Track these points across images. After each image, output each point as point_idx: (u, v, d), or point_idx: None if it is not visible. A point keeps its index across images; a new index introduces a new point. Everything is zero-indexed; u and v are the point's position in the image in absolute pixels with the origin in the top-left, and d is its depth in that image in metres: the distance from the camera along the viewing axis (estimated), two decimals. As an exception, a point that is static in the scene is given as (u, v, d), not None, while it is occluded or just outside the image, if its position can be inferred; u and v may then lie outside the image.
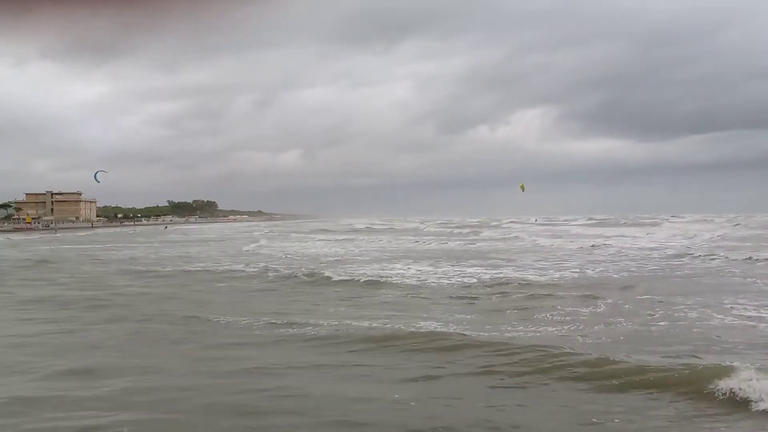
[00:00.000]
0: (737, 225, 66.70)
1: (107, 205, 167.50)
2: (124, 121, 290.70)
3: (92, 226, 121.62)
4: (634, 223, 78.26)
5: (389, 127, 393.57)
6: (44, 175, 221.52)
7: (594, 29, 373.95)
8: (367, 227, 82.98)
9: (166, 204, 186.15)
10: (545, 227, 73.87)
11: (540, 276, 20.85)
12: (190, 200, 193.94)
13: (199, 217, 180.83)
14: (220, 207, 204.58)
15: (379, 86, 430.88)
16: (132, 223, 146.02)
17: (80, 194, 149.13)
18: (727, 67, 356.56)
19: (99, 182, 51.07)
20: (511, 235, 52.90)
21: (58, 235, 79.34)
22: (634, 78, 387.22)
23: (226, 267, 26.47)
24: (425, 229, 72.85)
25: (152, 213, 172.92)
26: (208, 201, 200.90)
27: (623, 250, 33.27)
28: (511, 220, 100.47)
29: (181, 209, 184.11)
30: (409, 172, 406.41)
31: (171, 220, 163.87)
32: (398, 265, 25.92)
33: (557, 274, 21.32)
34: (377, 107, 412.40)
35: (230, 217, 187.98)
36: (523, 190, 73.97)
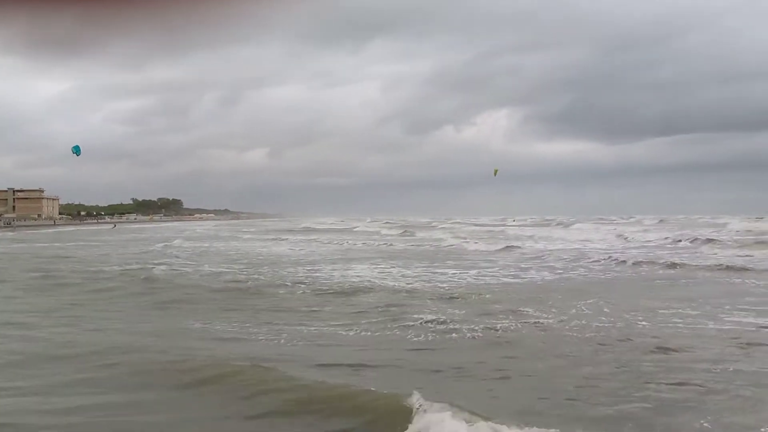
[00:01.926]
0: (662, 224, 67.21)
1: (70, 202, 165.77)
2: (88, 117, 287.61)
3: (54, 224, 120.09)
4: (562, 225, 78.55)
5: (358, 127, 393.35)
6: (7, 172, 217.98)
7: (561, 33, 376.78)
8: (306, 227, 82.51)
9: (131, 202, 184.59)
10: (486, 228, 73.97)
11: (397, 282, 20.49)
12: (155, 198, 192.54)
13: (164, 215, 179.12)
14: (186, 205, 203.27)
15: (348, 86, 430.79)
16: (95, 220, 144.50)
17: (42, 191, 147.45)
18: (690, 71, 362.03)
19: (78, 155, 50.13)
20: (437, 237, 52.66)
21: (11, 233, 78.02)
22: (600, 81, 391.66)
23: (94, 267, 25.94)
24: (366, 230, 72.50)
25: (116, 211, 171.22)
26: (173, 199, 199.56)
27: (526, 254, 33.21)
28: (455, 221, 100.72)
29: (146, 207, 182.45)
30: (378, 171, 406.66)
31: (135, 218, 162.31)
32: (266, 268, 25.75)
33: (415, 280, 21.07)
34: (346, 107, 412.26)
35: (195, 215, 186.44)
36: (496, 174, 74.27)
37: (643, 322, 12.21)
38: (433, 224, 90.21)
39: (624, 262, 26.11)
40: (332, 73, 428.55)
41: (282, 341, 10.98)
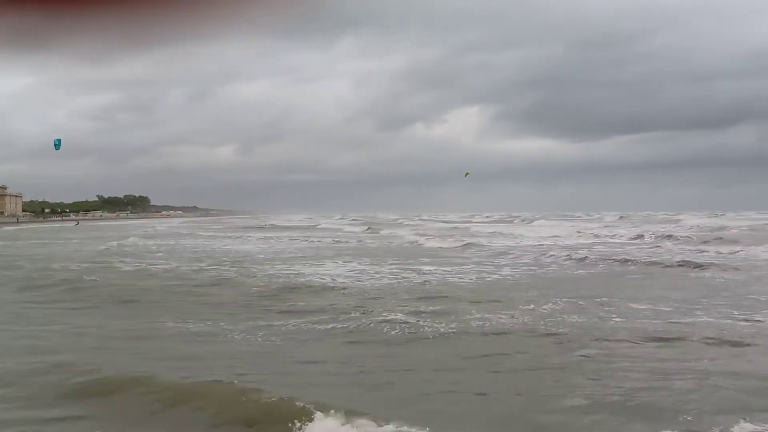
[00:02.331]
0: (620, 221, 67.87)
1: (34, 199, 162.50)
2: (52, 113, 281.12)
3: (18, 222, 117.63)
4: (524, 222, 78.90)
5: (328, 124, 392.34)
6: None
7: (530, 31, 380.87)
8: (271, 225, 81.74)
9: (96, 199, 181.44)
10: (452, 225, 74.01)
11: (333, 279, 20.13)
12: (121, 195, 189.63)
13: (131, 212, 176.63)
14: (153, 202, 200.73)
15: (318, 82, 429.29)
16: (60, 218, 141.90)
17: (5, 188, 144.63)
18: (654, 71, 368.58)
19: (58, 149, 48.71)
20: (399, 234, 52.38)
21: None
22: (568, 79, 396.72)
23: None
24: (330, 227, 71.96)
25: (81, 208, 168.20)
26: (140, 196, 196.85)
27: (483, 251, 33.09)
28: (423, 218, 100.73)
29: (112, 204, 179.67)
30: (349, 168, 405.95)
31: (101, 216, 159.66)
32: (203, 264, 25.21)
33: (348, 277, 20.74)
34: (316, 103, 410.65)
35: (163, 213, 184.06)
36: (466, 176, 74.51)
37: (578, 319, 12.07)
38: (400, 221, 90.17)
39: (582, 259, 26.01)
40: (302, 69, 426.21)
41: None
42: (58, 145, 47.79)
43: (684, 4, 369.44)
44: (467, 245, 36.78)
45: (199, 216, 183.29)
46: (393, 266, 23.86)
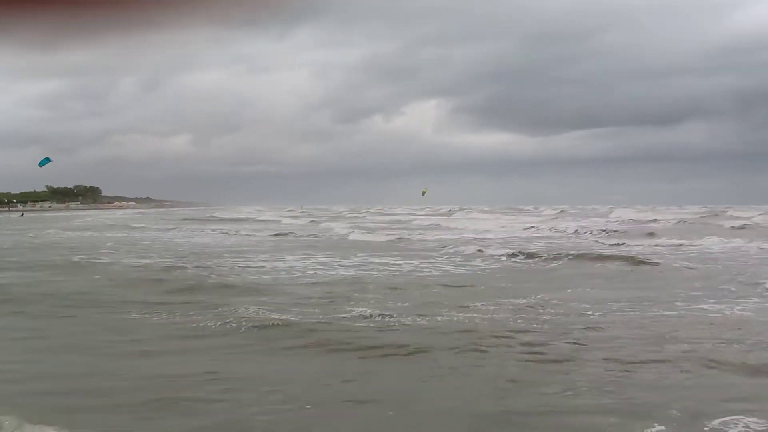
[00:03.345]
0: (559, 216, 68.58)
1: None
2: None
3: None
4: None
5: (286, 115, 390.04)
6: None
7: (488, 26, 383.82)
8: (210, 216, 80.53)
9: (45, 189, 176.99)
10: (396, 218, 73.83)
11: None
12: (71, 185, 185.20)
13: (81, 203, 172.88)
14: (105, 193, 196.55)
15: (275, 72, 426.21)
16: (7, 208, 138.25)
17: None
18: (606, 68, 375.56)
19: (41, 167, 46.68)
20: (335, 227, 51.83)
21: None
22: (524, 74, 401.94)
23: None
24: (270, 219, 70.99)
25: (29, 199, 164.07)
26: (90, 187, 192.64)
27: (412, 244, 32.75)
28: (375, 210, 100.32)
29: (62, 195, 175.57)
30: (307, 160, 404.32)
31: (50, 207, 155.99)
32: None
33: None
34: (273, 94, 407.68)
35: (115, 203, 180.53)
36: (424, 194, 74.32)
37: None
38: (347, 214, 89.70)
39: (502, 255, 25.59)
40: (258, 59, 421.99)
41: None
42: (43, 163, 46.06)
43: (635, 2, 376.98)
44: (399, 239, 36.43)
45: (153, 207, 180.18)
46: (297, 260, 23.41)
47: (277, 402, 6.94)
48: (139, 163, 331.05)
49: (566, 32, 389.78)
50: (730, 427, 6.09)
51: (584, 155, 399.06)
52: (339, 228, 47.15)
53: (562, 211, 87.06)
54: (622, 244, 31.33)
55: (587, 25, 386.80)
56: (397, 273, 19.61)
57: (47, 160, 47.24)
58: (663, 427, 6.10)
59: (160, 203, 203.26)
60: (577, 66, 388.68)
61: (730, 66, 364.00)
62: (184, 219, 73.51)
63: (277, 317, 11.37)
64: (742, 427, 6.11)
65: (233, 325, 10.97)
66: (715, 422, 6.19)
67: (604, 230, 41.63)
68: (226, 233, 43.81)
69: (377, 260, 23.21)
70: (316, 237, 39.68)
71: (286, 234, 42.37)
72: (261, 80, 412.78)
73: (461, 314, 11.98)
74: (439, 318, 11.68)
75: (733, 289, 15.44)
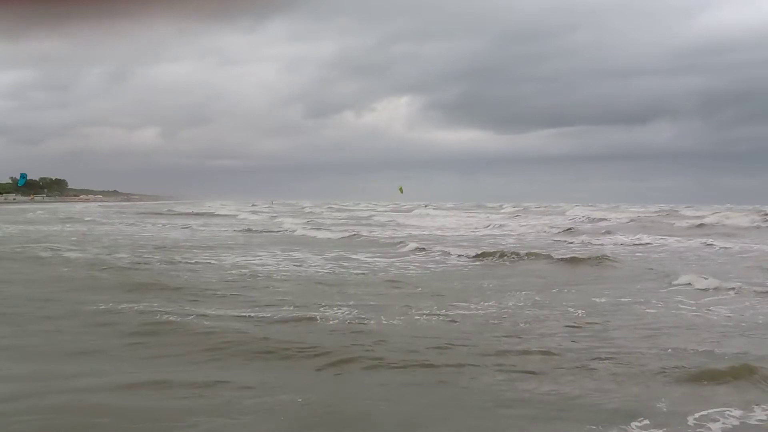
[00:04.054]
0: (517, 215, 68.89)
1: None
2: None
3: None
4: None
5: (255, 108, 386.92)
6: None
7: (460, 23, 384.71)
8: (168, 210, 79.36)
9: (9, 181, 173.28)
10: (356, 214, 73.50)
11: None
12: (36, 177, 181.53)
13: (47, 195, 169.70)
14: (71, 185, 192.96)
15: (245, 66, 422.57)
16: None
17: None
18: (576, 67, 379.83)
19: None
20: (279, 223, 51.16)
21: None
22: (495, 72, 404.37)
23: None
24: (228, 214, 70.07)
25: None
26: (57, 179, 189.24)
27: (361, 241, 32.50)
28: (340, 205, 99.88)
29: (27, 187, 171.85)
30: (277, 154, 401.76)
31: (14, 199, 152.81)
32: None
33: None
34: (243, 87, 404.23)
35: (81, 196, 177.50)
36: (402, 192, 73.92)
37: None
38: (309, 209, 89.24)
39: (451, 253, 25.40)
40: (228, 51, 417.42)
41: None
42: (21, 183, 44.84)
43: (603, 2, 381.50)
44: (353, 235, 35.98)
45: (120, 200, 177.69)
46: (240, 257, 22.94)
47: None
48: (106, 155, 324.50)
49: (537, 31, 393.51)
50: None
51: (553, 153, 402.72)
52: (291, 224, 46.52)
53: (524, 208, 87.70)
54: (564, 241, 31.56)
55: (557, 24, 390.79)
56: (322, 271, 19.29)
57: (24, 176, 46.88)
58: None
59: (127, 197, 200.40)
60: (547, 65, 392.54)
61: (696, 67, 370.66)
62: (139, 213, 72.42)
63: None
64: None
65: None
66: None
67: (554, 227, 41.84)
68: (171, 227, 43.11)
69: (297, 256, 22.88)
70: (264, 233, 39.08)
71: (240, 230, 41.71)
72: (231, 73, 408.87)
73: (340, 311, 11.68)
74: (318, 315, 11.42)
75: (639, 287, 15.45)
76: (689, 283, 15.88)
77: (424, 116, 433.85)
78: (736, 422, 6.48)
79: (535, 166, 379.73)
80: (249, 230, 40.87)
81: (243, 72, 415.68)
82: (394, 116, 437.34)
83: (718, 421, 6.47)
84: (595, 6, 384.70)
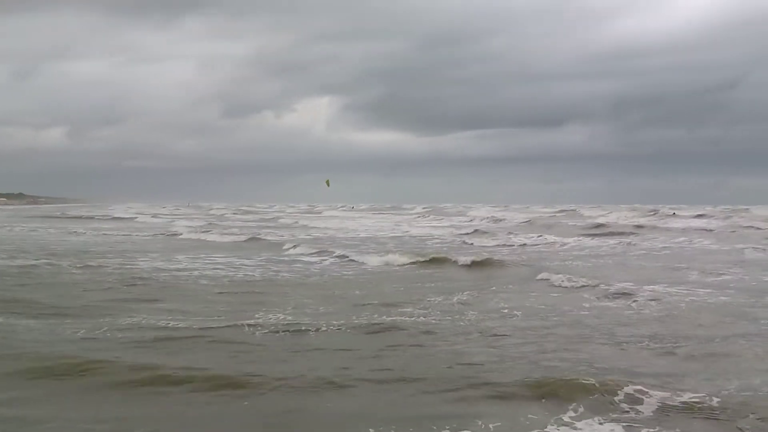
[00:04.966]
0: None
1: None
2: None
3: None
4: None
5: (170, 108, 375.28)
6: None
7: (382, 24, 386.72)
8: (61, 214, 75.25)
9: None
10: (261, 216, 71.96)
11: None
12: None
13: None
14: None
15: (158, 63, 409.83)
16: None
17: None
18: (494, 70, 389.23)
19: None
20: (174, 226, 49.11)
21: None
22: (415, 74, 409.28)
23: None
24: (124, 216, 66.95)
25: None
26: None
27: (262, 244, 31.03)
28: (252, 208, 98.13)
29: None
30: (194, 155, 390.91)
31: None
32: None
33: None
34: (157, 85, 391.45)
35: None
36: (329, 185, 72.19)
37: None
38: (216, 212, 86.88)
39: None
40: (140, 48, 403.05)
41: None
42: None
43: (522, 9, 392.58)
44: (251, 239, 34.36)
45: (26, 204, 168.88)
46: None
47: None
48: (11, 156, 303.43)
49: (457, 34, 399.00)
50: None
51: (472, 155, 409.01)
52: (186, 227, 44.51)
53: (432, 210, 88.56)
54: (451, 240, 31.28)
55: (477, 28, 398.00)
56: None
57: None
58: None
59: (33, 199, 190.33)
60: (466, 68, 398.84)
61: (606, 72, 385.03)
62: (30, 216, 68.47)
63: None
64: None
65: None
66: None
67: (451, 227, 41.76)
68: (55, 231, 40.46)
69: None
70: (151, 237, 37.04)
71: (126, 233, 39.52)
72: (144, 71, 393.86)
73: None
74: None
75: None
76: (547, 280, 16.20)
77: (345, 117, 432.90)
78: None
79: (454, 167, 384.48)
80: (137, 234, 38.73)
81: (157, 70, 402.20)
82: (315, 117, 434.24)
83: None
84: (515, 12, 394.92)
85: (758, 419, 6.27)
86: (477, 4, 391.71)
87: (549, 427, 6.19)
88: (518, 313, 12.05)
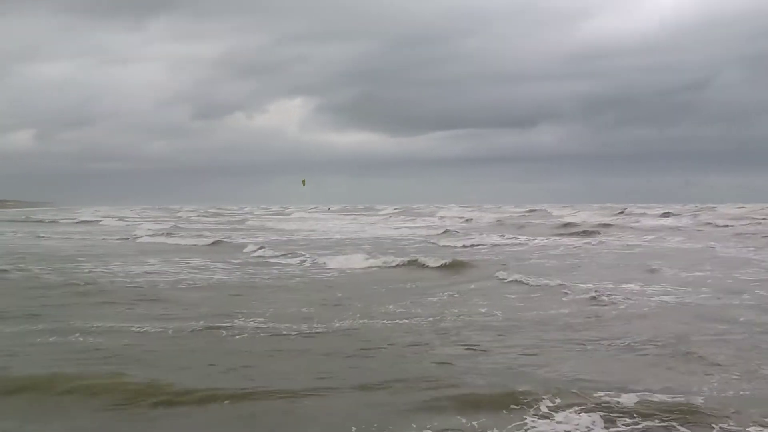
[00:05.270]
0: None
1: None
2: None
3: None
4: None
5: (139, 109, 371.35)
6: None
7: (354, 25, 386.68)
8: (26, 218, 73.42)
9: None
10: (228, 219, 71.06)
11: None
12: None
13: None
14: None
15: (128, 65, 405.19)
16: None
17: None
18: (467, 71, 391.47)
19: None
20: (137, 228, 48.09)
21: None
22: (388, 75, 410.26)
23: None
24: (88, 220, 65.50)
25: None
26: None
27: (226, 246, 30.43)
28: (224, 210, 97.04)
29: None
30: (164, 157, 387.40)
31: None
32: None
33: None
34: (126, 87, 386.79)
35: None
36: (304, 185, 71.51)
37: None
38: (185, 215, 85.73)
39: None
40: (109, 50, 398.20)
41: None
42: None
43: (495, 10, 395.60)
44: (215, 243, 33.50)
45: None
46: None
47: None
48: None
49: (430, 35, 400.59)
50: None
51: (445, 155, 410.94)
52: (147, 231, 43.48)
53: (404, 210, 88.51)
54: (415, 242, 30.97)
55: (450, 29, 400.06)
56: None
57: None
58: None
59: (2, 203, 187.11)
60: (439, 69, 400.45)
61: (579, 72, 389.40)
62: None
63: None
64: None
65: None
66: None
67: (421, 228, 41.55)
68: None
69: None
70: (110, 240, 36.06)
71: (83, 236, 38.51)
72: (113, 72, 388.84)
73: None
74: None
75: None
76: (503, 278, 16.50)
77: (318, 118, 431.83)
78: None
79: (427, 168, 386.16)
80: (95, 237, 37.75)
81: (126, 71, 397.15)
82: (287, 118, 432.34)
83: None
84: (487, 13, 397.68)
85: (737, 420, 6.19)
86: (449, 5, 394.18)
87: (528, 419, 6.22)
88: (498, 312, 11.94)
